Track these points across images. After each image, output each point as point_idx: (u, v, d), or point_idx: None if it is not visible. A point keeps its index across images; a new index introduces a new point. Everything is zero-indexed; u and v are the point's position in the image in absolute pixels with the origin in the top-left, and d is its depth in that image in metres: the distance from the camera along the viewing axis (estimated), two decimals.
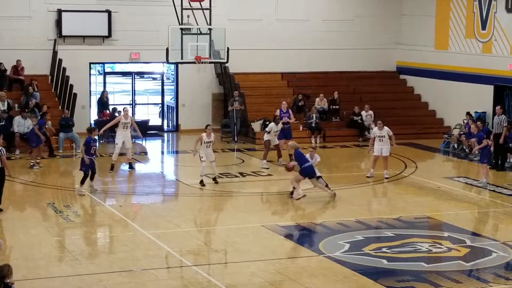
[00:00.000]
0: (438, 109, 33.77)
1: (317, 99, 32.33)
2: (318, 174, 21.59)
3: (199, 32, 25.17)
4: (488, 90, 30.25)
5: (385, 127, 24.31)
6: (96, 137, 22.09)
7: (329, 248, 16.72)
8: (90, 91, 32.37)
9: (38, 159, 25.43)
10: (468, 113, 29.60)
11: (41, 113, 27.47)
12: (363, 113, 31.72)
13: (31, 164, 25.10)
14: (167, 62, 26.37)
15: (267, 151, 25.96)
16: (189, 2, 25.31)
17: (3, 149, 19.42)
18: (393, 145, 24.48)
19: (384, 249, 16.63)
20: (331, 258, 15.95)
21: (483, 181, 23.40)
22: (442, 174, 25.04)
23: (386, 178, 24.06)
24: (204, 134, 22.83)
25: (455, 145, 29.61)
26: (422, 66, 34.31)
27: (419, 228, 18.73)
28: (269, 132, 25.93)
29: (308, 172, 21.26)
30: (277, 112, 27.18)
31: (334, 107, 32.56)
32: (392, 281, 14.65)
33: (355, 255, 16.23)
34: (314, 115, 31.21)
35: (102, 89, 32.53)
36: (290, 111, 27.69)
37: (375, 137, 24.23)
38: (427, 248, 16.82)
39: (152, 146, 30.76)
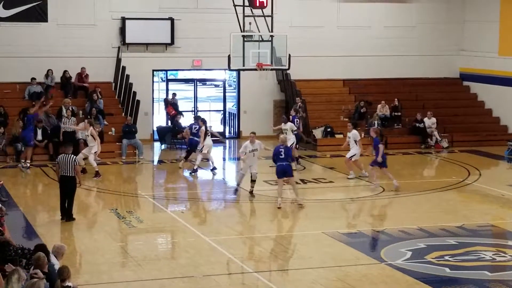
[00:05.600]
0: (502, 115, 33.31)
1: (379, 106, 32.15)
2: None
3: (260, 39, 25.26)
4: None
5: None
6: None
7: (391, 255, 16.61)
8: (153, 98, 32.65)
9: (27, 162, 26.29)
10: None
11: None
12: (426, 120, 31.44)
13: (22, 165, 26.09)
14: (229, 69, 26.47)
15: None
16: (251, 9, 25.42)
17: (76, 158, 19.63)
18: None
19: (446, 257, 16.47)
20: (392, 266, 15.85)
21: None
22: (506, 181, 24.67)
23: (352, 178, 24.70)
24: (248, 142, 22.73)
25: None
26: (485, 72, 33.88)
27: (483, 236, 18.50)
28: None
29: None
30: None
31: (396, 113, 32.34)
32: None
33: (417, 263, 16.10)
34: (376, 122, 31.05)
35: (164, 96, 32.98)
36: (296, 118, 28.32)
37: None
38: (490, 257, 16.61)
39: (214, 152, 30.82)
